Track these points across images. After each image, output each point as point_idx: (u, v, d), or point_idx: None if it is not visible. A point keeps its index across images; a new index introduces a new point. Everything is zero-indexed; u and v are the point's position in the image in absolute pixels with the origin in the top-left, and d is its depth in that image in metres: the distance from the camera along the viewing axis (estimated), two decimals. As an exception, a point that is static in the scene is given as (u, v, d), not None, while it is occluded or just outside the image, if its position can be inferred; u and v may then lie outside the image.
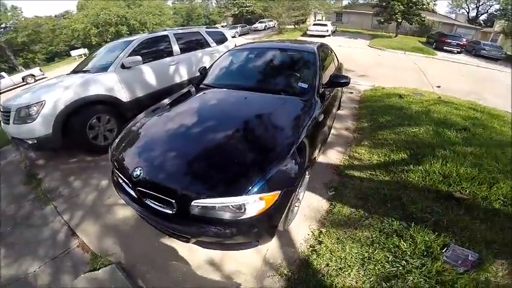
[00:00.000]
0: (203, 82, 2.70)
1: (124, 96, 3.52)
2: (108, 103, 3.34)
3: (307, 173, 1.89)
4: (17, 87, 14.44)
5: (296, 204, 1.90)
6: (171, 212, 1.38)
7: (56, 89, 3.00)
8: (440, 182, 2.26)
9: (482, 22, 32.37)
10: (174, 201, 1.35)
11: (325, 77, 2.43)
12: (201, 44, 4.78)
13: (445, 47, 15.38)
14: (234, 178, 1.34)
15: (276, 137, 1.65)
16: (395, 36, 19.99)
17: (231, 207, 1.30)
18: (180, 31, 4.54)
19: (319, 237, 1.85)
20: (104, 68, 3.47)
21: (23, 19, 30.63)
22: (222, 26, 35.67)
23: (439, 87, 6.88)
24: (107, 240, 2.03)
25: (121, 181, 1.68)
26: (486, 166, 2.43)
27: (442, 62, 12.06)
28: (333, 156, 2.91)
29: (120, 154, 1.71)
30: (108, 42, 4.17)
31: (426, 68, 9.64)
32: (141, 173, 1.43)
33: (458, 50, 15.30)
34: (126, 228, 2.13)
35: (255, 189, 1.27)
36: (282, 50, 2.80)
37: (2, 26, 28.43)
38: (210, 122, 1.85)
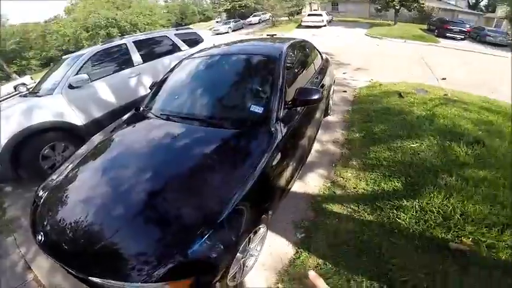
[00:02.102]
0: (145, 106, 2.19)
1: (78, 119, 3.10)
2: (60, 129, 2.96)
3: (261, 227, 1.50)
4: (10, 97, 13.88)
5: (254, 255, 1.60)
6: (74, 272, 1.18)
7: None
8: (438, 225, 1.74)
9: (483, 8, 30.63)
10: (73, 272, 1.16)
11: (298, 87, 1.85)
12: (170, 49, 4.26)
13: (447, 34, 14.75)
14: (128, 259, 1.08)
15: (202, 201, 1.23)
16: (395, 24, 18.94)
17: None
18: (142, 37, 4.03)
19: (273, 295, 1.49)
20: (51, 89, 3.04)
21: (8, 27, 30.05)
22: (217, 22, 34.95)
23: (444, 79, 6.22)
24: (58, 275, 1.89)
25: None
26: (502, 198, 1.88)
27: (445, 50, 11.24)
28: (312, 181, 2.37)
29: (34, 208, 1.50)
30: (100, 45, 3.78)
31: (429, 57, 8.90)
32: (42, 239, 1.26)
33: (462, 36, 14.70)
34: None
35: (154, 277, 1.00)
36: (240, 57, 2.20)
37: (-11, 34, 27.42)
38: (124, 175, 1.44)
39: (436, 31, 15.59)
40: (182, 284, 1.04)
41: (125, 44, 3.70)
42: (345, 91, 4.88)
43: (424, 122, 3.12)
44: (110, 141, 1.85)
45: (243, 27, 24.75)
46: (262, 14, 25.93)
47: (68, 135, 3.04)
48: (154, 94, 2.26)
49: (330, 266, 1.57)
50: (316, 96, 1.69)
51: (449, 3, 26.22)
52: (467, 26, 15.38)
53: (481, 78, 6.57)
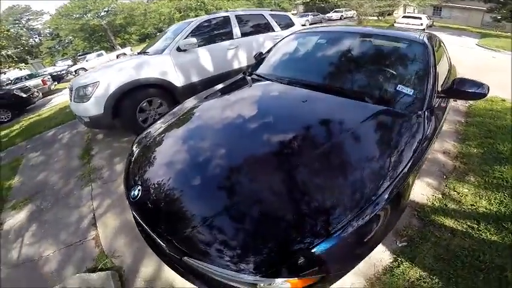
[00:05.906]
0: (256, 72, 2.15)
1: (178, 80, 3.35)
2: (160, 87, 3.23)
3: None
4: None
5: None
6: (164, 245, 1.00)
7: (111, 70, 3.03)
8: None
9: None
10: (164, 243, 0.98)
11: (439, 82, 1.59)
12: (264, 28, 4.27)
13: None
14: (250, 247, 0.85)
15: (344, 184, 0.97)
16: (517, 37, 15.33)
17: (236, 280, 0.85)
18: (242, 13, 4.11)
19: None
20: (161, 50, 3.34)
21: (120, 3, 34.52)
22: (293, 14, 33.87)
23: None
24: (120, 240, 1.86)
25: None
26: None
27: None
28: (419, 189, 2.02)
29: (134, 157, 1.41)
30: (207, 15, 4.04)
31: None
32: (138, 194, 1.11)
33: None
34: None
35: (279, 272, 0.79)
36: (370, 37, 2.00)
37: (105, 9, 33.07)
38: (245, 139, 1.28)
39: None
40: (304, 281, 0.83)
41: (228, 16, 3.82)
42: (455, 100, 4.10)
43: None
44: (224, 100, 1.79)
45: (321, 22, 23.50)
46: (346, 10, 24.31)
47: (165, 93, 3.29)
48: (270, 61, 2.22)
49: (438, 280, 1.35)
50: (482, 90, 1.40)
51: None
52: None
53: None
